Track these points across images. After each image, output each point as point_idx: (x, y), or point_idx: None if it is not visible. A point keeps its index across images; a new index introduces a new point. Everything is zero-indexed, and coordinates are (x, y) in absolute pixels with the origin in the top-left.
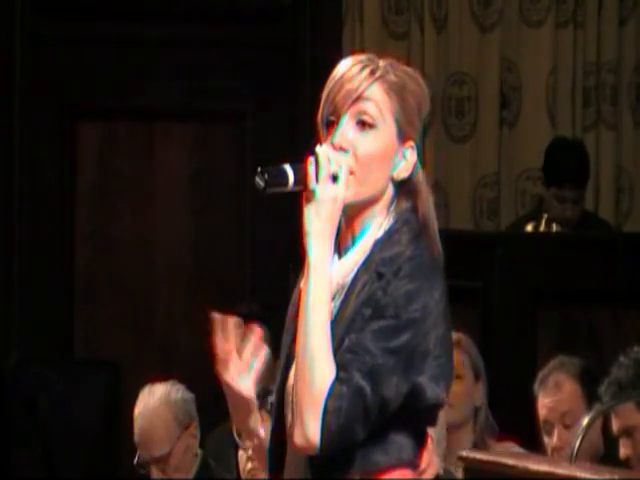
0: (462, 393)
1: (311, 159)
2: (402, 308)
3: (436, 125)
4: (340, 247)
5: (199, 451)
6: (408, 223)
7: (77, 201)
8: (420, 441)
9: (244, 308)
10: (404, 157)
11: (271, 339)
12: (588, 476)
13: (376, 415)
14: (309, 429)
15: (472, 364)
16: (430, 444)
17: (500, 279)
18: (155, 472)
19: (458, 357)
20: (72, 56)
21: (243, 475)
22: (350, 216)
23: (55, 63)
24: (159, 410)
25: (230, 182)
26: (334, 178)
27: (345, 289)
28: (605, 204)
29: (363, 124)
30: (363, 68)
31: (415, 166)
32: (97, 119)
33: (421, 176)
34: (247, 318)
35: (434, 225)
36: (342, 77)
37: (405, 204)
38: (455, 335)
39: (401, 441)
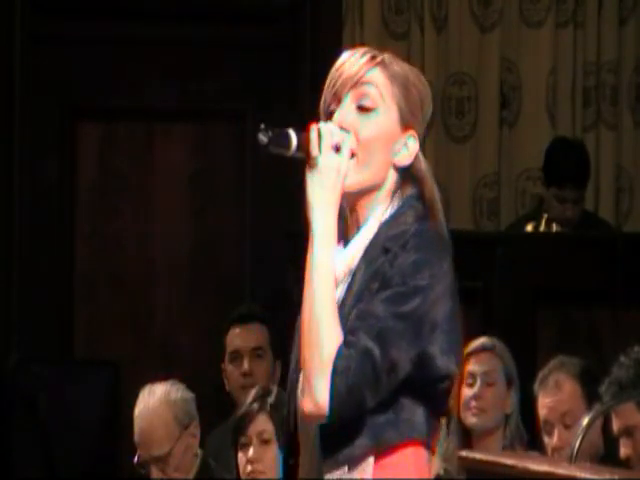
0: (494, 399)
1: (314, 126)
2: (409, 276)
3: (436, 125)
4: (346, 237)
5: (199, 451)
6: (413, 208)
7: (77, 201)
8: (433, 421)
9: (244, 308)
10: (406, 145)
11: (271, 339)
12: (588, 476)
13: (385, 380)
14: (318, 392)
15: (505, 371)
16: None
17: (500, 279)
18: (155, 472)
19: (492, 363)
20: (72, 56)
21: (243, 477)
22: (354, 205)
23: (55, 63)
24: (159, 410)
25: (230, 182)
26: (337, 149)
27: (350, 274)
28: (605, 204)
29: (364, 108)
30: (363, 55)
31: (417, 155)
32: (97, 119)
33: (424, 166)
34: (247, 318)
35: (441, 212)
36: (342, 65)
37: (410, 191)
38: (490, 340)
39: (413, 418)
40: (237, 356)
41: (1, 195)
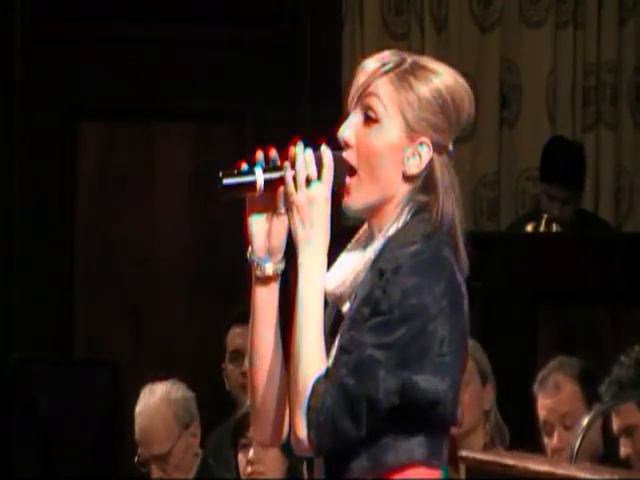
0: (470, 399)
1: (286, 165)
2: (397, 304)
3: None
4: (366, 242)
5: (199, 451)
6: (422, 220)
7: (77, 201)
8: (436, 440)
9: (244, 307)
10: (417, 153)
11: None
12: (588, 476)
13: (365, 410)
14: (298, 428)
15: (478, 368)
16: None
17: (500, 279)
18: (155, 471)
19: None
20: (72, 56)
21: (244, 478)
22: (368, 219)
23: (55, 63)
24: (160, 408)
25: None
26: (307, 181)
27: (357, 290)
28: (605, 204)
29: (369, 120)
30: (379, 61)
31: (434, 163)
32: (97, 119)
33: (442, 174)
34: (247, 317)
35: (455, 224)
36: (358, 72)
37: (422, 200)
38: None
39: (411, 440)
40: (237, 355)
41: (1, 195)
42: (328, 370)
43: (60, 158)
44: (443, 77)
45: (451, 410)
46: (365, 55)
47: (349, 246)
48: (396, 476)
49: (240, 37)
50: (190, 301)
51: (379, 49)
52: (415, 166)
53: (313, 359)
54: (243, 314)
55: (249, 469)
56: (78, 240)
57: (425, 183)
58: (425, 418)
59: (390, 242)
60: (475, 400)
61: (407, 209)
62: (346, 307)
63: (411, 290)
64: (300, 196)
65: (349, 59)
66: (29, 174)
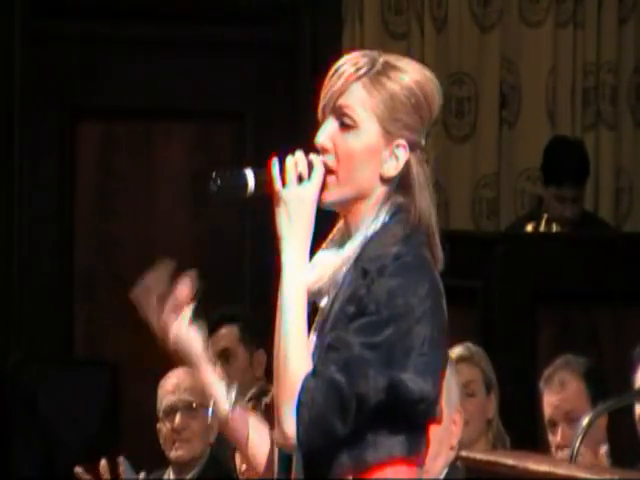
0: (476, 410)
1: (275, 161)
2: (383, 305)
3: (436, 125)
4: (341, 240)
5: (213, 440)
6: (401, 221)
7: (77, 201)
8: (416, 436)
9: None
10: (395, 155)
11: (242, 334)
12: (588, 476)
13: (354, 408)
14: (285, 424)
15: (484, 378)
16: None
17: (500, 279)
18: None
19: (470, 373)
20: (72, 56)
21: (240, 476)
22: (344, 214)
23: (55, 63)
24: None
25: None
26: (300, 179)
27: (336, 287)
28: (605, 204)
29: (345, 126)
30: (352, 66)
31: (411, 163)
32: (97, 119)
33: (418, 173)
34: (215, 326)
35: (432, 223)
36: (331, 76)
37: (400, 201)
38: (467, 349)
39: (392, 437)
40: (228, 355)
41: (1, 195)
42: (316, 367)
43: (60, 158)
44: (412, 74)
45: (432, 407)
46: None
47: (324, 245)
48: (375, 474)
49: (240, 37)
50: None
51: (379, 49)
52: (393, 168)
53: (300, 356)
54: (211, 324)
55: (244, 467)
56: (78, 240)
57: (401, 183)
58: (406, 415)
59: (370, 242)
60: (480, 410)
61: (385, 210)
62: (324, 302)
63: (397, 290)
64: (290, 192)
65: None
66: (29, 174)
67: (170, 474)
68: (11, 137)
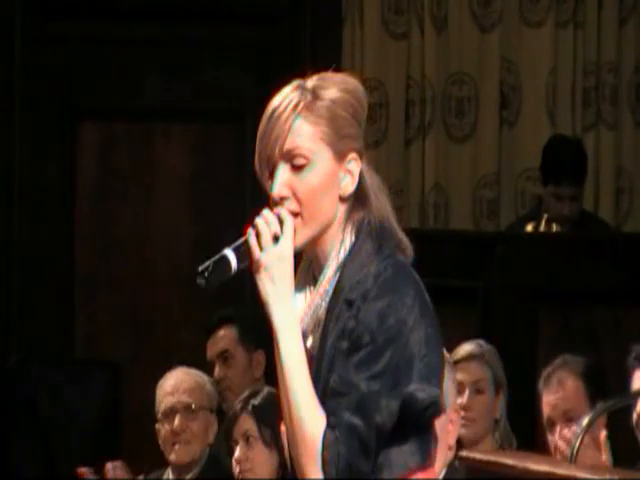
0: (483, 408)
1: (250, 230)
2: (377, 331)
3: (436, 125)
4: (314, 277)
5: (212, 441)
6: (368, 235)
7: (77, 201)
8: (426, 441)
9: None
10: (348, 171)
11: (240, 335)
12: (588, 476)
13: (375, 442)
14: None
15: (494, 378)
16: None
17: (500, 279)
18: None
19: (481, 372)
20: (72, 56)
21: (236, 478)
22: (311, 250)
23: (55, 63)
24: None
25: (230, 182)
26: (275, 238)
27: (321, 323)
28: (605, 204)
29: (297, 166)
30: (288, 106)
31: (362, 174)
32: (97, 119)
33: (371, 181)
34: (213, 328)
35: (393, 224)
36: (269, 121)
37: (359, 214)
38: (478, 347)
39: (404, 452)
40: (212, 366)
41: (1, 195)
42: (329, 420)
43: (60, 158)
44: (340, 85)
45: (439, 406)
46: (365, 55)
47: (295, 286)
48: None
49: (240, 36)
50: (190, 301)
51: (379, 49)
52: (350, 184)
53: (314, 416)
54: (209, 326)
55: (237, 468)
56: (78, 240)
57: (357, 195)
58: (417, 424)
59: (345, 268)
60: (487, 409)
61: (349, 230)
62: (309, 343)
63: (387, 310)
64: (268, 255)
65: (349, 59)
66: (29, 174)
67: (169, 474)
68: (11, 137)
